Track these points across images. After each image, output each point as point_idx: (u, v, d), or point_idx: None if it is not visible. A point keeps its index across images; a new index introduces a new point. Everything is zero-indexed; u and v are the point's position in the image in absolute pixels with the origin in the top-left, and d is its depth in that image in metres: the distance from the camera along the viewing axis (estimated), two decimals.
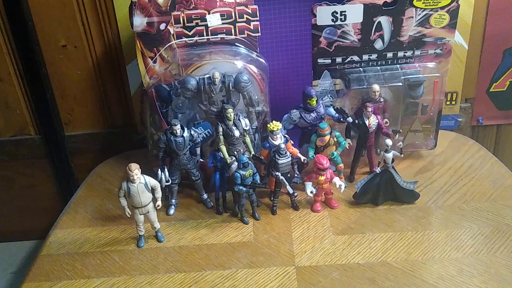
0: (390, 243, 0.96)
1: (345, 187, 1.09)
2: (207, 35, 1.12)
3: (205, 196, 1.13)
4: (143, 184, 0.95)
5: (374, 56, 1.17)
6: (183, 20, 1.11)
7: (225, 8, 1.11)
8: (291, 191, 1.06)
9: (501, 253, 0.92)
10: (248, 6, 1.11)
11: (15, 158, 1.48)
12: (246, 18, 1.12)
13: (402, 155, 1.05)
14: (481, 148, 1.30)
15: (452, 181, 1.15)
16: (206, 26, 1.12)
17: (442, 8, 1.12)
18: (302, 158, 1.09)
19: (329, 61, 1.17)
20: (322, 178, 1.03)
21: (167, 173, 1.07)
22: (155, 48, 1.13)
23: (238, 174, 1.01)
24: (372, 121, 1.10)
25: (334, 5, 1.10)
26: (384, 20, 1.13)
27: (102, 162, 1.37)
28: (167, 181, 1.07)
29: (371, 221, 1.03)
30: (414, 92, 1.16)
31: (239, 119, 1.07)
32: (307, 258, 0.94)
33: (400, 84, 1.15)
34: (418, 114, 1.19)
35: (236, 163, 1.02)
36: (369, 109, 1.09)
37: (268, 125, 1.05)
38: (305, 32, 1.23)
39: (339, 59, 1.17)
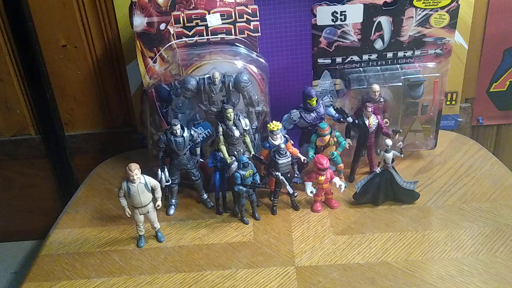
0: (390, 243, 0.96)
1: (345, 187, 1.09)
2: (207, 35, 1.12)
3: (205, 196, 1.13)
4: (143, 184, 0.95)
5: (374, 56, 1.17)
6: (183, 20, 1.11)
7: (225, 8, 1.11)
8: (291, 191, 1.06)
9: (501, 253, 0.92)
10: (248, 6, 1.11)
11: (15, 158, 1.48)
12: (246, 18, 1.12)
13: (402, 155, 1.05)
14: (481, 148, 1.30)
15: (452, 181, 1.16)
16: (206, 26, 1.12)
17: (442, 8, 1.12)
18: (302, 158, 1.09)
19: (329, 61, 1.17)
20: (322, 178, 1.03)
21: (167, 173, 1.07)
22: (155, 48, 1.13)
23: (238, 174, 1.01)
24: (372, 121, 1.11)
25: (334, 5, 1.10)
26: (384, 20, 1.13)
27: (102, 162, 1.37)
28: (167, 181, 1.07)
29: (371, 221, 1.03)
30: (414, 92, 1.16)
31: (239, 119, 1.07)
32: (307, 258, 0.94)
33: (400, 84, 1.15)
34: (418, 114, 1.19)
35: (236, 163, 1.02)
36: (369, 109, 1.09)
37: (268, 125, 1.05)
38: (305, 32, 1.23)
39: (339, 59, 1.17)
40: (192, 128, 1.10)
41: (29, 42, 1.29)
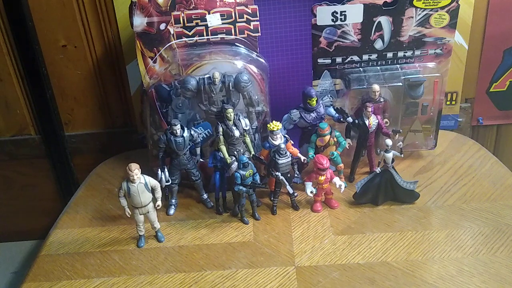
0: (390, 243, 0.96)
1: (345, 187, 1.09)
2: (207, 35, 1.12)
3: (205, 196, 1.13)
4: (143, 184, 0.95)
5: (374, 56, 1.17)
6: (183, 20, 1.11)
7: (225, 8, 1.11)
8: (291, 191, 1.06)
9: (501, 253, 0.92)
10: (248, 6, 1.11)
11: (15, 158, 1.48)
12: (246, 18, 1.12)
13: (402, 155, 1.05)
14: (481, 148, 1.30)
15: (452, 181, 1.15)
16: (206, 26, 1.12)
17: (442, 8, 1.12)
18: (302, 158, 1.09)
19: (329, 61, 1.17)
20: (322, 178, 1.03)
21: (167, 173, 1.07)
22: (155, 48, 1.13)
23: (238, 174, 1.01)
24: (372, 121, 1.10)
25: (334, 5, 1.10)
26: (384, 20, 1.13)
27: (102, 162, 1.37)
28: (167, 181, 1.07)
29: (371, 221, 1.03)
30: (414, 92, 1.16)
31: (239, 119, 1.07)
32: (307, 258, 0.94)
33: (400, 84, 1.15)
34: (418, 114, 1.19)
35: (236, 163, 1.02)
36: (369, 109, 1.09)
37: (268, 125, 1.05)
38: (305, 32, 1.23)
39: (339, 59, 1.17)
40: (192, 128, 1.10)
41: (29, 42, 1.29)
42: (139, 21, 1.10)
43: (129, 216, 0.99)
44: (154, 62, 1.13)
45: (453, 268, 0.89)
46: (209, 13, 1.11)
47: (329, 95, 1.21)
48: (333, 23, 1.12)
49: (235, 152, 1.08)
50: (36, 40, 1.31)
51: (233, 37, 1.13)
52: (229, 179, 1.07)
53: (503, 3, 1.28)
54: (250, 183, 1.02)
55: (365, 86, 1.15)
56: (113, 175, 1.30)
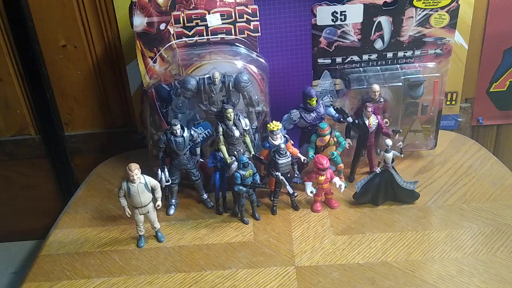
0: (390, 243, 0.96)
1: (345, 187, 1.09)
2: (207, 35, 1.12)
3: (205, 196, 1.13)
4: (143, 184, 0.95)
5: (374, 56, 1.17)
6: (183, 20, 1.11)
7: (225, 8, 1.11)
8: (291, 191, 1.06)
9: (501, 253, 0.92)
10: (248, 6, 1.11)
11: (15, 158, 1.48)
12: (246, 18, 1.12)
13: (402, 155, 1.05)
14: (481, 148, 1.30)
15: (452, 181, 1.15)
16: (206, 26, 1.12)
17: (442, 8, 1.12)
18: (302, 158, 1.09)
19: (329, 61, 1.17)
20: (322, 178, 1.03)
21: (167, 173, 1.07)
22: (155, 48, 1.13)
23: (238, 174, 1.01)
24: (372, 121, 1.11)
25: (334, 5, 1.10)
26: (384, 20, 1.13)
27: (102, 162, 1.37)
28: (167, 181, 1.07)
29: (371, 221, 1.03)
30: (414, 92, 1.16)
31: (239, 119, 1.07)
32: (307, 258, 0.94)
33: (400, 84, 1.15)
34: (418, 114, 1.19)
35: (236, 163, 1.02)
36: (369, 109, 1.09)
37: (268, 125, 1.05)
38: (305, 32, 1.23)
39: (339, 59, 1.17)
40: (192, 128, 1.10)
41: (29, 42, 1.29)
42: (139, 21, 1.10)
43: (129, 216, 0.99)
44: (154, 62, 1.13)
45: (453, 268, 0.89)
46: (209, 13, 1.11)
47: (329, 95, 1.21)
48: (333, 23, 1.12)
49: (235, 152, 1.08)
50: (36, 40, 1.31)
51: (233, 37, 1.13)
52: (229, 179, 1.07)
53: (503, 3, 1.28)
54: (250, 183, 1.02)
55: (365, 86, 1.15)
56: (113, 175, 1.30)
